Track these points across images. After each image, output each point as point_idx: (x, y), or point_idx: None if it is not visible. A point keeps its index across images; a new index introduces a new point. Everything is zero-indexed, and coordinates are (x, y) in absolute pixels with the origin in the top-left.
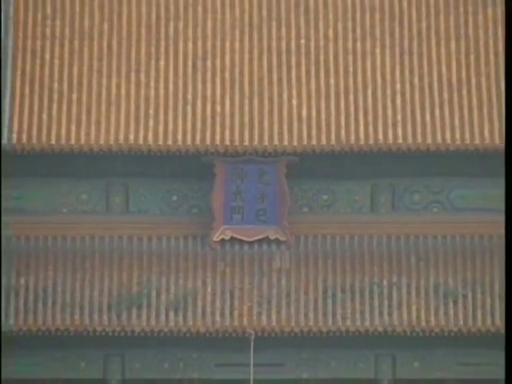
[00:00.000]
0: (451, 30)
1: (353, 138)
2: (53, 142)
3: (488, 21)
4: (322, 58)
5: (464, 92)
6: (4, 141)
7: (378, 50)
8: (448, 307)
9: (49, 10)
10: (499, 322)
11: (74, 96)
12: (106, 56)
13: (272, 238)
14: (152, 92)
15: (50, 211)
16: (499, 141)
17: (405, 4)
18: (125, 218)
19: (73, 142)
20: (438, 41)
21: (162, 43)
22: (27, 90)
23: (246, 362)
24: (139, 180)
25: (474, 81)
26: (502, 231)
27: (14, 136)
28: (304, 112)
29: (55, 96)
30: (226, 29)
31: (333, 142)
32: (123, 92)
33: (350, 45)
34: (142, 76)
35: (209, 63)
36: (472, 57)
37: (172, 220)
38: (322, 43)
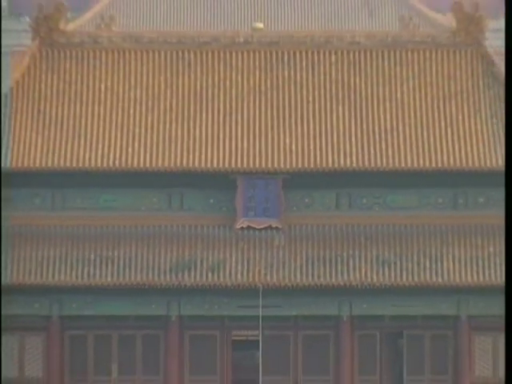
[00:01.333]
0: (387, 94)
1: (324, 163)
2: (135, 165)
3: (410, 90)
4: (305, 114)
5: (395, 134)
6: (104, 164)
7: (340, 108)
8: (384, 270)
9: (133, 84)
10: (417, 279)
11: (149, 137)
12: (169, 112)
13: (273, 226)
14: (197, 133)
15: (134, 209)
16: (417, 164)
17: (357, 80)
18: (180, 214)
19: (148, 165)
20: (378, 102)
21: (204, 103)
22: (124, 137)
23: (256, 304)
24: (189, 189)
25: (400, 128)
26: (419, 221)
27: (117, 162)
28: (293, 147)
29: (137, 137)
30: (244, 94)
31: (312, 165)
32: (179, 133)
33: (322, 105)
34: (191, 124)
35: (233, 116)
36: (400, 112)
37: (210, 215)
38: (305, 104)
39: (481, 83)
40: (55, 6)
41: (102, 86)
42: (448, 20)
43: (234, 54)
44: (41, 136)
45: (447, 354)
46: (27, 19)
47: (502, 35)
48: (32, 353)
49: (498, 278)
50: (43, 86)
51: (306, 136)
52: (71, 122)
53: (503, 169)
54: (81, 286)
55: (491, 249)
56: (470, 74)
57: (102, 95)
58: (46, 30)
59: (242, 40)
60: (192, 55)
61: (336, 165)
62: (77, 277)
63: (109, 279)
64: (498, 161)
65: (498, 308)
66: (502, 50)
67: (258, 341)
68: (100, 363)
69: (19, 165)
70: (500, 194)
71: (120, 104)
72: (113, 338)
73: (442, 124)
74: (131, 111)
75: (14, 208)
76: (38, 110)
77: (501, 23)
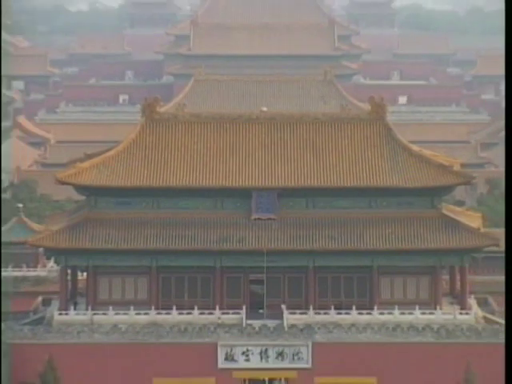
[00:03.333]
0: (334, 146)
1: (300, 183)
2: (197, 184)
3: (346, 144)
4: (290, 156)
5: (339, 167)
6: (181, 184)
7: (308, 153)
8: (332, 242)
9: (196, 140)
10: (349, 246)
11: (204, 169)
12: (215, 155)
13: (272, 218)
14: (230, 167)
15: (196, 208)
16: (350, 184)
17: (318, 138)
18: (221, 211)
19: (204, 184)
20: (329, 151)
21: (234, 150)
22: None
23: (263, 260)
24: (226, 198)
25: (341, 164)
26: (351, 215)
27: (187, 182)
28: (283, 175)
29: (198, 169)
30: (256, 146)
31: (293, 184)
32: (221, 167)
33: (298, 152)
34: (227, 161)
35: (250, 158)
36: (341, 156)
37: (237, 212)
38: (289, 151)
39: (384, 141)
40: (153, 98)
41: (180, 143)
42: (366, 106)
43: (250, 125)
44: (146, 169)
45: (366, 287)
46: (139, 105)
47: (396, 114)
48: (141, 286)
49: (394, 244)
50: (147, 142)
51: (291, 168)
52: (163, 162)
53: (397, 186)
54: (167, 250)
55: (389, 230)
56: (378, 135)
57: (180, 147)
58: (148, 111)
59: (254, 117)
60: (228, 124)
61: (307, 184)
62: (165, 244)
63: (182, 246)
64: (393, 182)
65: (395, 261)
66: (397, 122)
67: (263, 280)
68: (178, 292)
69: (134, 184)
70: (394, 200)
71: (189, 152)
72: (185, 278)
73: (364, 162)
74: (195, 156)
75: (131, 208)
76: (144, 156)
77: (393, 108)
